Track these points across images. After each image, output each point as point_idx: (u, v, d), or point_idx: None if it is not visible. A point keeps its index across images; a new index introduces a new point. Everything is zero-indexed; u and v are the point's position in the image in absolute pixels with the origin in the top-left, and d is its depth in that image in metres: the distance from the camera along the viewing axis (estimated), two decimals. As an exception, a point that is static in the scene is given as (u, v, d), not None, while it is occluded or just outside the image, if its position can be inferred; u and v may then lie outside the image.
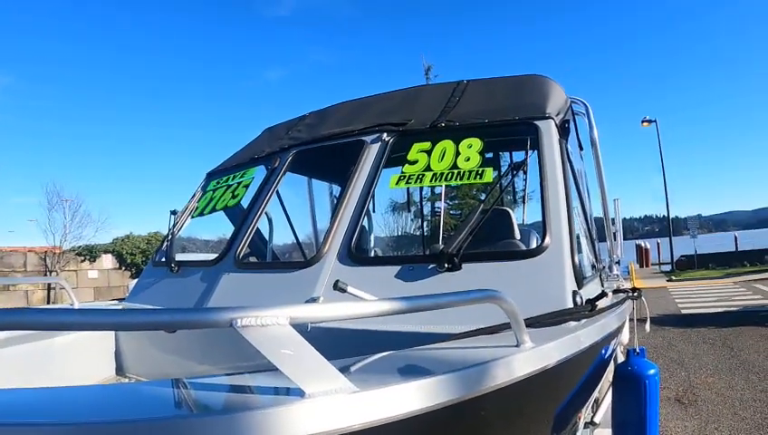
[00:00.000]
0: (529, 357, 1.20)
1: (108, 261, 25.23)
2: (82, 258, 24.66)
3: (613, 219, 3.85)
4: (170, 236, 3.20)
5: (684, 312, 10.48)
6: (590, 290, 2.18)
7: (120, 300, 3.51)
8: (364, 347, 1.33)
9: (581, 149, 3.84)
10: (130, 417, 0.76)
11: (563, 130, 2.50)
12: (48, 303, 21.98)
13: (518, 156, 3.88)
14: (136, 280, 3.54)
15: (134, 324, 0.84)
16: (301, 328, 0.83)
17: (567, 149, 2.48)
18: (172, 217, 3.29)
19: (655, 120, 23.24)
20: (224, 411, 0.81)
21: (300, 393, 0.80)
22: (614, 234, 3.83)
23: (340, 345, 1.38)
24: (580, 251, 2.27)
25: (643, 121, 23.57)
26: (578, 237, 2.37)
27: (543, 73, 3.02)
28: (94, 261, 24.89)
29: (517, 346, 1.23)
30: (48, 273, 23.23)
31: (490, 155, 3.97)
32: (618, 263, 4.05)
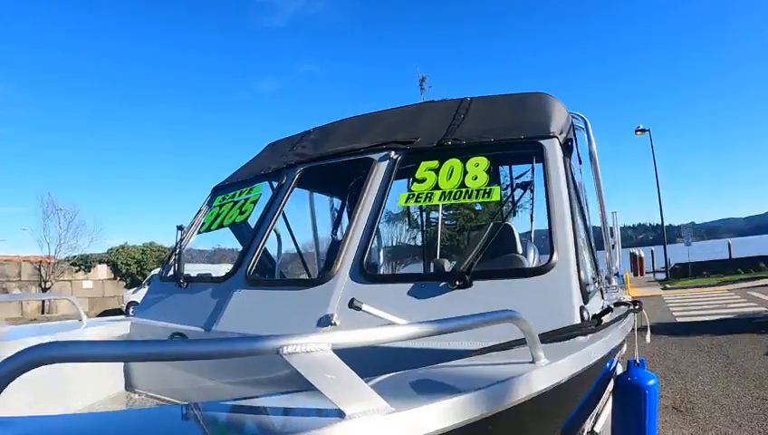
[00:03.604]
0: (545, 373, 1.27)
1: (103, 271, 25.08)
2: (77, 268, 24.53)
3: (612, 230, 3.91)
4: (178, 251, 3.22)
5: (679, 320, 10.54)
6: (594, 304, 2.23)
7: (120, 313, 3.52)
8: (386, 363, 1.38)
9: (580, 162, 3.92)
10: None
11: (567, 149, 2.56)
12: (43, 313, 21.83)
13: (522, 171, 3.95)
14: (130, 290, 3.53)
15: (186, 354, 0.88)
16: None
17: (570, 167, 2.54)
18: (179, 232, 3.30)
19: (648, 130, 23.54)
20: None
21: (339, 414, 0.86)
22: (612, 245, 3.89)
23: (362, 361, 1.43)
24: (584, 266, 2.33)
25: (637, 131, 23.84)
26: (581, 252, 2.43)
27: (545, 85, 3.08)
28: (89, 271, 24.75)
29: (533, 362, 1.30)
30: (43, 283, 23.09)
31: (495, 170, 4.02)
32: (617, 274, 4.10)
